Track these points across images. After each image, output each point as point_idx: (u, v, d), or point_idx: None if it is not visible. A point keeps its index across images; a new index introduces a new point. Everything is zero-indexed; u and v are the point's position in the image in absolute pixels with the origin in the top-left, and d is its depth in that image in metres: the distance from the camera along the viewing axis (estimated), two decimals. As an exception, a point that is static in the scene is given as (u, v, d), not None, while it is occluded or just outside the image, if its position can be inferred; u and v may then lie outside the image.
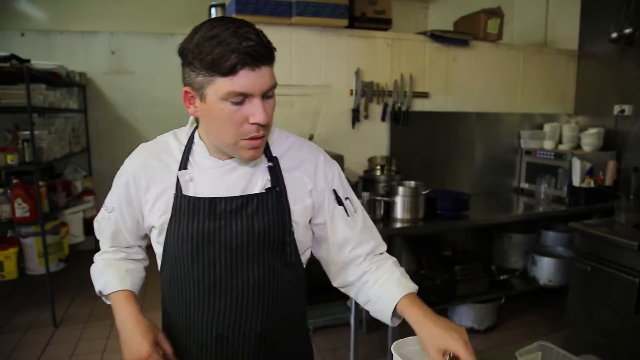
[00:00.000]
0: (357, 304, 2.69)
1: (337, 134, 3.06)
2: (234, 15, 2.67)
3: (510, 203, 3.52)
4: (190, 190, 1.02)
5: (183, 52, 0.94)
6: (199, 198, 1.01)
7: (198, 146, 1.05)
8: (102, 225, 1.16)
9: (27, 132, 3.21)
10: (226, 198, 1.01)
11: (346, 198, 1.13)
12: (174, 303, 1.09)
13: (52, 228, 3.57)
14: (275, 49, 0.92)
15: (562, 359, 1.11)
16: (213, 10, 3.10)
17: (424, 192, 2.70)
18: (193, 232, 1.00)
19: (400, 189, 2.66)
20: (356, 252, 1.11)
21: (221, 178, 1.03)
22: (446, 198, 2.88)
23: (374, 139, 3.24)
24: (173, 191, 1.03)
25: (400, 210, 2.67)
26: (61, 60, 4.00)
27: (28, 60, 3.20)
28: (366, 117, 3.18)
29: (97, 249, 1.21)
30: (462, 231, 3.56)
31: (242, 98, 0.89)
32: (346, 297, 3.01)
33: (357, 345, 2.69)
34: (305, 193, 1.08)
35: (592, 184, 3.25)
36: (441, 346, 0.91)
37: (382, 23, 3.15)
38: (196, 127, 1.08)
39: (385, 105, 3.22)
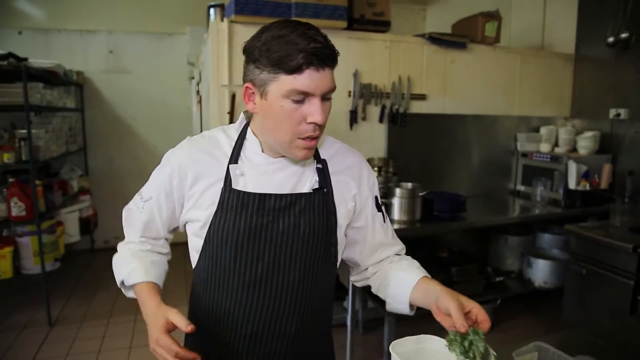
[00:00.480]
0: (353, 305, 2.69)
1: (334, 135, 2.93)
2: (233, 17, 2.68)
3: (507, 205, 3.53)
4: (239, 185, 1.03)
5: (249, 49, 0.96)
6: (249, 193, 1.02)
7: (251, 142, 1.07)
8: (134, 214, 1.14)
9: (24, 131, 3.20)
10: (276, 195, 1.03)
11: (382, 204, 1.22)
12: (207, 298, 1.09)
13: (48, 227, 3.56)
14: (339, 53, 0.95)
15: (557, 358, 1.12)
16: (212, 10, 3.11)
17: (421, 194, 2.71)
18: (239, 227, 1.01)
19: (398, 191, 2.67)
20: (386, 253, 1.19)
21: (271, 175, 1.05)
22: (443, 200, 2.89)
23: (372, 140, 3.24)
24: (221, 185, 1.04)
25: (397, 212, 2.68)
26: (59, 59, 4.00)
27: (25, 59, 3.20)
28: (364, 118, 3.19)
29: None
30: (459, 233, 3.57)
31: (303, 97, 0.93)
32: (342, 298, 3.01)
33: (354, 346, 2.69)
34: (350, 197, 1.12)
35: (587, 187, 3.27)
36: (465, 304, 0.97)
37: (381, 25, 3.16)
38: (246, 124, 1.09)
39: (383, 107, 3.23)
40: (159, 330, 0.91)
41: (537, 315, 3.52)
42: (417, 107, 3.35)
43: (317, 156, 1.10)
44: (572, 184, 3.28)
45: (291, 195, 1.04)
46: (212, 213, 1.03)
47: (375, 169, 2.99)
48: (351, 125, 3.15)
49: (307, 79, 0.90)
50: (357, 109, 3.14)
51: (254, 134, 1.07)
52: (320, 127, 0.97)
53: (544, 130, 3.73)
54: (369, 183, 1.17)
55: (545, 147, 3.65)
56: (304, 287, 1.06)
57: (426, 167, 3.43)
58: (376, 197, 1.18)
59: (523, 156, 3.72)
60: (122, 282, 1.10)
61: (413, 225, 2.69)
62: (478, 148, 3.63)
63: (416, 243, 3.12)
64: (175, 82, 4.97)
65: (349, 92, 3.13)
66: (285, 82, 0.91)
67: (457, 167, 3.57)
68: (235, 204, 1.02)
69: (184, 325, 0.89)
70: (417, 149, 3.38)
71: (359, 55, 3.11)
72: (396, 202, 2.67)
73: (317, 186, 1.07)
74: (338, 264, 1.16)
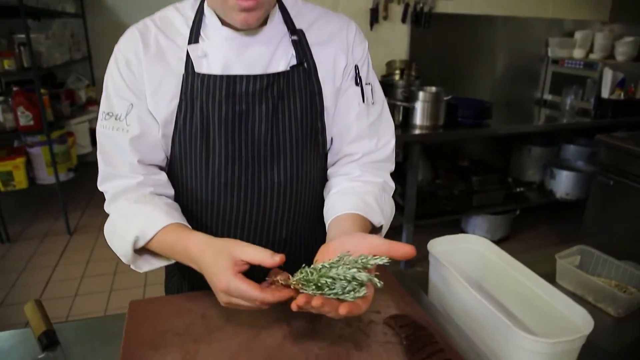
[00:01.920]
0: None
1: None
2: None
3: (532, 114, 3.37)
4: (203, 68, 0.85)
5: None
6: (214, 76, 0.84)
7: (209, 17, 0.87)
8: (116, 139, 0.85)
9: (23, 36, 3.02)
10: (247, 77, 0.85)
11: (367, 83, 0.95)
12: (185, 210, 0.91)
13: (58, 137, 3.50)
14: None
15: (602, 263, 1.05)
16: None
17: (445, 98, 2.55)
18: (208, 119, 0.84)
19: (421, 94, 2.51)
20: (352, 148, 0.93)
21: (239, 54, 0.86)
22: (468, 105, 2.73)
23: (393, 41, 3.03)
24: (182, 72, 0.86)
25: (419, 117, 2.54)
26: (53, -43, 3.70)
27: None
28: (385, 18, 2.95)
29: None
30: (480, 142, 3.45)
31: None
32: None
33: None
34: (338, 72, 0.92)
35: (622, 96, 3.07)
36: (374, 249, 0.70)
37: None
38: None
39: (407, 6, 2.97)
40: (227, 275, 0.68)
41: (555, 226, 3.49)
42: (442, 6, 3.08)
43: (291, 27, 0.90)
44: (605, 93, 3.08)
45: (266, 76, 0.85)
46: (175, 107, 0.85)
47: (397, 72, 2.81)
48: (371, 25, 2.92)
49: None
50: (378, 7, 2.90)
51: (210, 6, 0.87)
52: None
53: (578, 35, 3.45)
54: (354, 50, 0.93)
55: (578, 53, 3.40)
56: (291, 185, 0.91)
57: (449, 71, 3.24)
58: (356, 67, 0.93)
59: (554, 63, 3.48)
60: (135, 244, 0.80)
61: (436, 130, 2.56)
62: (505, 53, 3.39)
63: (437, 151, 3.03)
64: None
65: (369, -12, 2.86)
66: None
67: (481, 73, 3.37)
68: (200, 92, 0.84)
69: (267, 256, 0.68)
70: (441, 53, 3.17)
71: (381, -55, 2.80)
72: (419, 106, 2.52)
73: (295, 62, 0.88)
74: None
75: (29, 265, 2.94)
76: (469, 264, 0.93)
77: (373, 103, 0.94)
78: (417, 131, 2.52)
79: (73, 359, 0.73)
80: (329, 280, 0.63)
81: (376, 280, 0.64)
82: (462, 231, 3.16)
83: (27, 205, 3.79)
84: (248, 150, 0.86)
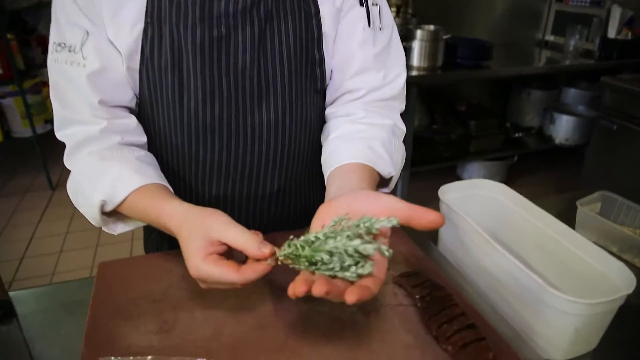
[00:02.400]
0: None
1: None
2: None
3: (532, 56, 3.21)
4: None
5: None
6: None
7: None
8: (70, 77, 0.69)
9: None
10: None
11: (374, 3, 0.78)
12: (159, 159, 0.79)
13: (31, 87, 3.29)
14: None
15: (625, 210, 0.95)
16: None
17: (444, 37, 2.39)
18: (179, 47, 0.69)
19: (419, 33, 2.34)
20: (354, 83, 0.77)
21: None
22: (467, 46, 2.56)
23: (388, -24, 2.80)
24: None
25: (417, 57, 2.37)
26: None
27: None
28: (379, -51, 2.71)
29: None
30: (478, 85, 3.30)
31: None
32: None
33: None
34: None
35: (629, 36, 2.90)
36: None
37: None
38: None
39: (402, -64, 2.72)
40: (196, 259, 0.56)
41: (553, 173, 3.43)
42: (441, -63, 2.83)
43: None
44: (612, 33, 2.90)
45: None
46: (139, 33, 0.69)
47: (393, 9, 2.61)
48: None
49: None
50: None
51: None
52: None
53: (584, -32, 3.23)
54: None
55: (584, -11, 3.20)
56: (283, 128, 0.77)
57: (445, 9, 3.02)
58: None
59: (557, 1, 3.28)
60: (103, 207, 0.67)
61: (434, 72, 2.41)
62: (506, -11, 3.18)
63: (434, 95, 2.89)
64: None
65: None
66: None
67: (478, 12, 3.17)
68: (169, 13, 0.68)
69: (253, 245, 0.54)
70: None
71: None
72: (416, 45, 2.35)
73: None
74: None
75: (10, 223, 2.82)
76: (485, 213, 0.82)
77: (380, 28, 0.78)
78: (414, 72, 2.37)
79: (31, 332, 0.63)
80: (325, 256, 0.49)
81: (384, 248, 0.50)
82: (459, 178, 3.08)
83: (5, 160, 3.63)
84: (230, 85, 0.72)
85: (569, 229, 0.72)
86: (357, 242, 0.48)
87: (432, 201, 0.78)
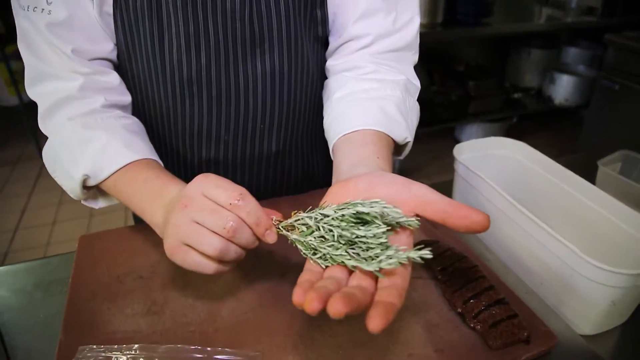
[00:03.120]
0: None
1: None
2: None
3: (532, 12, 3.08)
4: None
5: None
6: None
7: None
8: (37, 26, 0.60)
9: None
10: None
11: None
12: (143, 120, 0.71)
13: (15, 52, 3.13)
14: None
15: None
16: None
17: (444, -9, 2.27)
18: None
19: (417, -13, 2.22)
20: (360, 28, 0.66)
21: None
22: (468, 1, 2.45)
23: None
24: None
25: (416, 14, 2.26)
26: None
27: None
28: None
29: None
30: (477, 45, 3.18)
31: None
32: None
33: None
34: None
35: (634, -8, 2.79)
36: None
37: None
38: None
39: None
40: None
41: (552, 134, 3.36)
42: None
43: None
44: (615, -12, 2.80)
45: None
46: None
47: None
48: None
49: None
50: None
51: None
52: None
53: None
54: None
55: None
56: (280, 80, 0.68)
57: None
58: None
59: (560, -46, 3.13)
60: (85, 182, 0.60)
61: (434, 29, 2.30)
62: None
63: (432, 54, 2.77)
64: None
65: None
66: None
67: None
68: None
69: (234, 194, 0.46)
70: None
71: None
72: None
73: None
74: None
75: (2, 194, 2.74)
76: (504, 174, 0.75)
77: None
78: (413, 30, 2.26)
79: (5, 316, 0.55)
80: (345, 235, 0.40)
81: (415, 221, 0.41)
82: (457, 141, 3.01)
83: (-9, 130, 3.52)
84: (217, 31, 0.62)
85: (598, 190, 0.65)
86: (383, 229, 0.39)
87: (431, 163, 0.71)
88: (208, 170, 0.71)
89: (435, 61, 2.78)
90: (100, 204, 0.66)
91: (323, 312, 0.51)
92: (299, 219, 0.44)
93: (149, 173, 0.56)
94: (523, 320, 0.47)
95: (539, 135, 3.36)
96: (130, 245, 0.63)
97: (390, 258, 0.38)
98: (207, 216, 0.44)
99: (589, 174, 0.85)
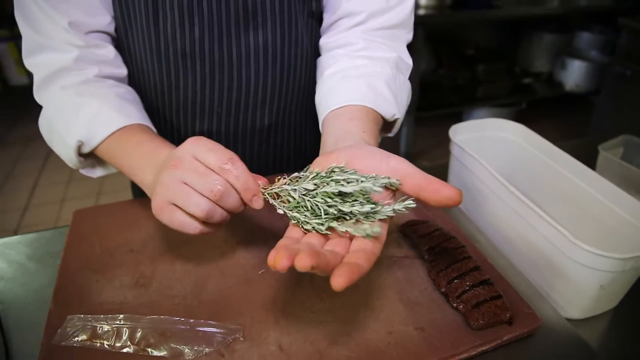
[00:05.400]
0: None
1: None
2: None
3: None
4: None
5: None
6: None
7: None
8: None
9: None
10: None
11: None
12: (138, 91, 0.71)
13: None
14: None
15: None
16: None
17: (454, -28, 2.23)
18: None
19: (427, -33, 2.18)
20: (353, 5, 0.66)
21: None
22: (478, -18, 2.40)
23: None
24: None
25: (424, -5, 2.23)
26: None
27: None
28: None
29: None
30: (487, 28, 3.13)
31: None
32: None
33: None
34: None
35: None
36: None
37: None
38: None
39: None
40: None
41: (561, 120, 3.31)
42: None
43: None
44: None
45: None
46: None
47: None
48: None
49: None
50: None
51: None
52: None
53: None
54: None
55: None
56: (273, 54, 0.69)
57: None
58: None
59: None
60: (80, 148, 0.60)
61: (442, 11, 2.26)
62: None
63: (441, 36, 2.74)
64: None
65: None
66: None
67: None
68: None
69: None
70: None
71: None
72: (424, -19, 2.19)
73: None
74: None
75: (14, 171, 2.78)
76: (500, 156, 0.75)
77: None
78: (421, 12, 2.22)
79: (-3, 286, 0.57)
80: (327, 196, 0.41)
81: (396, 181, 0.42)
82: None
83: (4, 109, 3.53)
84: (212, 5, 0.62)
85: (598, 176, 0.64)
86: (366, 183, 0.40)
87: (437, 147, 0.71)
88: None
89: (444, 44, 2.74)
90: (97, 172, 0.67)
91: (306, 287, 0.52)
92: (283, 189, 0.44)
93: (142, 136, 0.57)
94: (507, 302, 0.47)
95: (547, 121, 3.31)
96: (124, 219, 0.64)
97: (376, 213, 0.39)
98: (196, 178, 0.45)
99: (592, 158, 0.85)
